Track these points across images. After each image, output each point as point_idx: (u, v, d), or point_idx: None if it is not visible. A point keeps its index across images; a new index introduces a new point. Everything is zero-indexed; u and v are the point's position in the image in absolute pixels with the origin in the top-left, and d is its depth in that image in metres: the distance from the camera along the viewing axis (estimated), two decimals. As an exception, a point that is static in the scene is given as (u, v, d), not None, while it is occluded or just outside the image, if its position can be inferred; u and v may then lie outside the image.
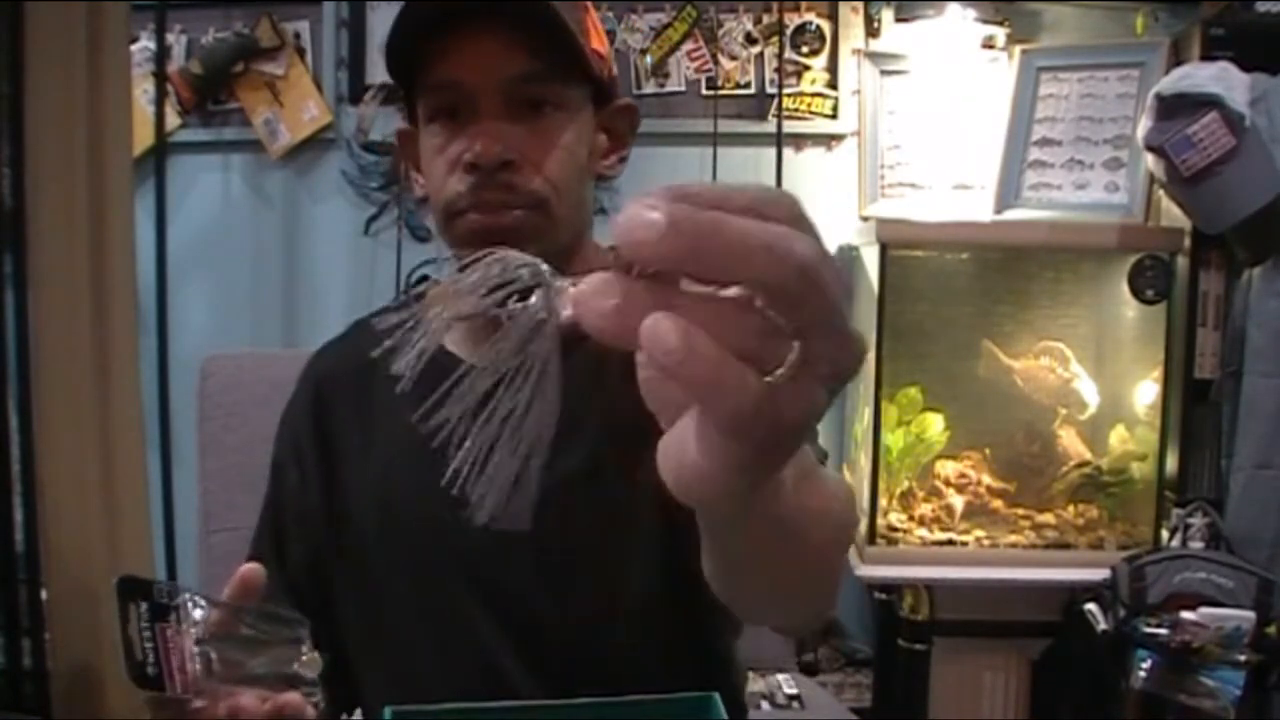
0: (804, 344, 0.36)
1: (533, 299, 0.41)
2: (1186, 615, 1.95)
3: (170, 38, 2.68)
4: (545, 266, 0.42)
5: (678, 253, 0.35)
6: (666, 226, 0.35)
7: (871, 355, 2.28)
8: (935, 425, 2.34)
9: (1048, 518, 2.32)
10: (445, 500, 0.47)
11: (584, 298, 0.37)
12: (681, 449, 0.40)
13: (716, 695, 0.84)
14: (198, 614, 0.73)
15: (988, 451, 2.41)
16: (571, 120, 1.00)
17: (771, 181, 2.56)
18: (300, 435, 1.11)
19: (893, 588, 2.32)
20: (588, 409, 0.90)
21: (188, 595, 0.74)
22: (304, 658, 0.76)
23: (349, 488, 1.06)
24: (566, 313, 0.40)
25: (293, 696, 0.74)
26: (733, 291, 0.36)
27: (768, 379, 0.36)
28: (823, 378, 0.37)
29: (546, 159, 0.97)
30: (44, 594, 2.05)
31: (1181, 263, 2.30)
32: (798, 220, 0.37)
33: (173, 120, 2.73)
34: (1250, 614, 1.94)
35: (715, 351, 0.35)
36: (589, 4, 1.06)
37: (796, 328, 0.36)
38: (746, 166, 2.64)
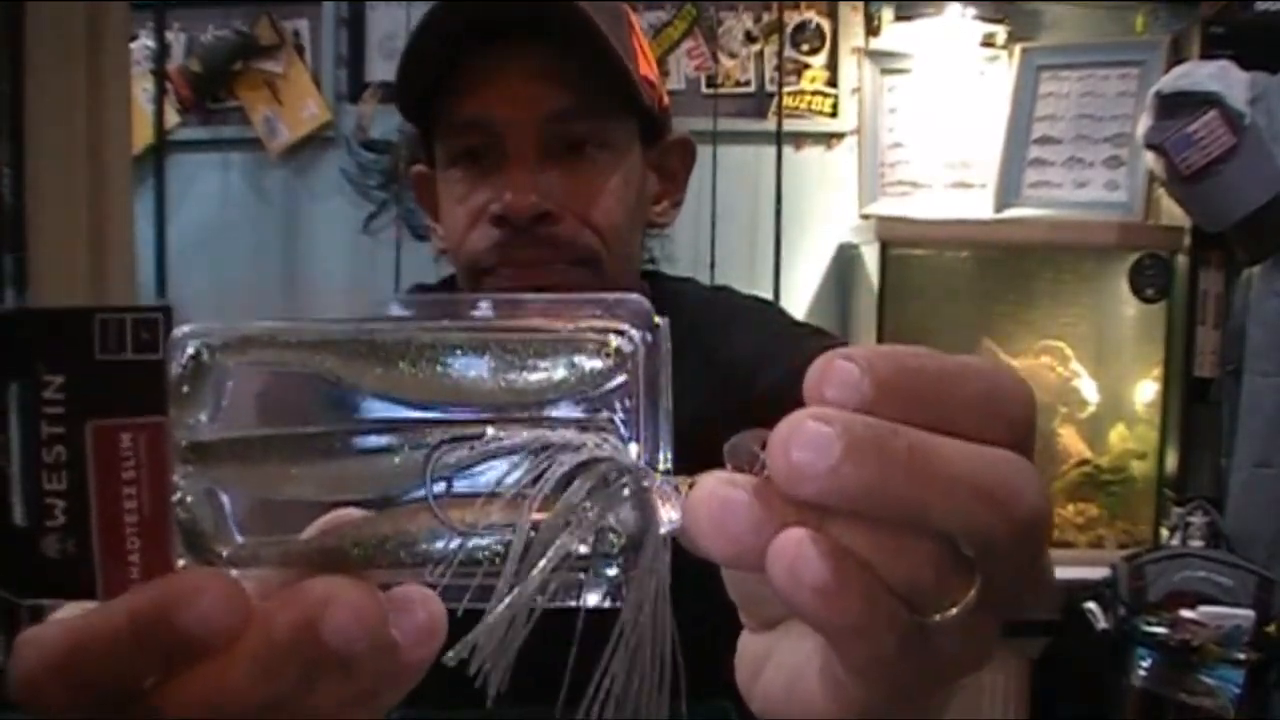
0: (986, 581, 0.27)
1: (621, 507, 0.28)
2: (1186, 614, 1.95)
3: (170, 36, 2.68)
4: (642, 465, 0.29)
5: (853, 490, 0.25)
6: (843, 454, 0.25)
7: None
8: (935, 424, 2.34)
9: (1047, 516, 2.32)
10: None
11: (708, 512, 0.27)
12: (796, 681, 0.31)
13: (729, 705, 0.82)
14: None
15: (987, 450, 2.41)
16: (619, 161, 0.84)
17: (771, 181, 2.56)
18: None
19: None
20: None
21: (206, 341, 0.30)
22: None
23: None
24: (670, 524, 0.28)
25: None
26: None
27: (935, 617, 0.27)
28: (999, 616, 0.28)
29: (592, 208, 0.81)
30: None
31: (1181, 261, 2.30)
32: (1027, 431, 0.28)
33: (172, 118, 2.72)
34: (1250, 612, 1.94)
35: (870, 588, 0.26)
36: (634, 22, 0.90)
37: (984, 567, 0.27)
38: (746, 165, 2.63)
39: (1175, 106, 2.13)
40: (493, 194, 0.80)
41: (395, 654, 0.29)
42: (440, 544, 0.29)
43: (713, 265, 2.49)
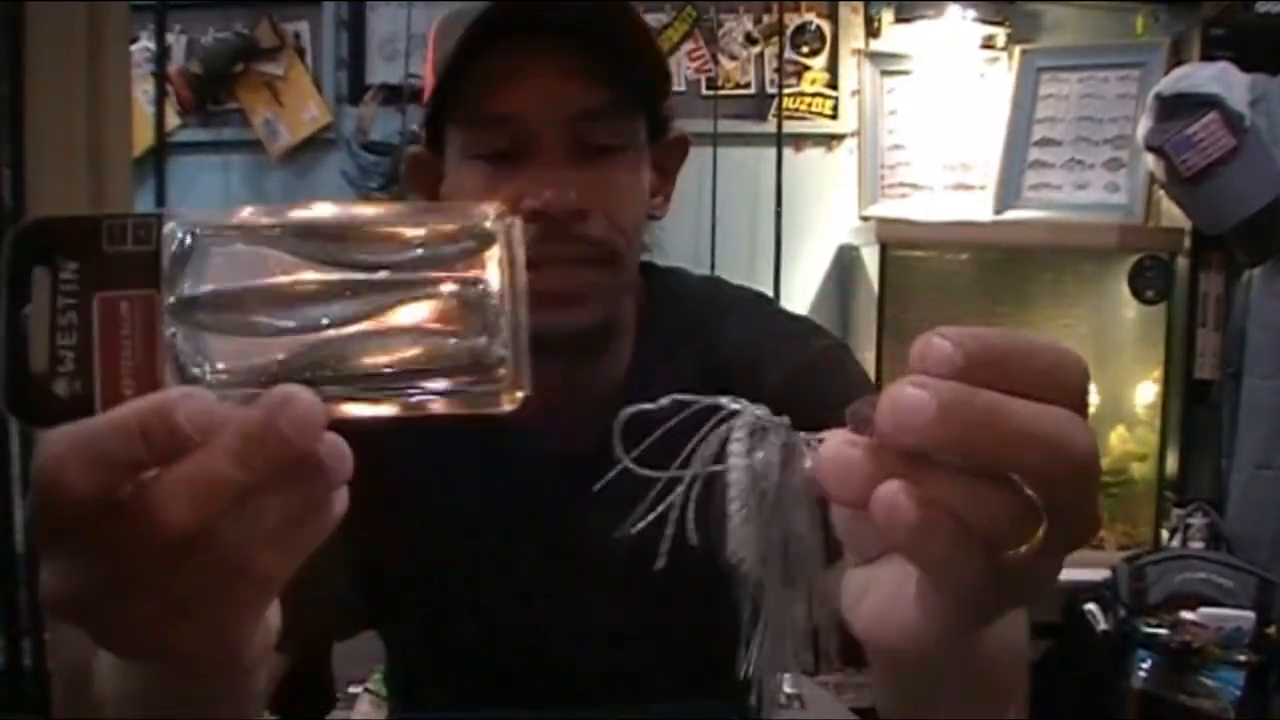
0: (1051, 522, 0.34)
1: (761, 454, 0.39)
2: (1187, 615, 1.95)
3: (170, 38, 2.68)
4: (786, 422, 0.40)
5: (945, 441, 0.33)
6: (936, 412, 0.33)
7: (871, 356, 2.28)
8: (935, 426, 2.34)
9: (1048, 518, 2.32)
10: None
11: (832, 465, 0.36)
12: (891, 604, 0.39)
13: (732, 705, 0.82)
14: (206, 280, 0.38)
15: (988, 452, 2.41)
16: (639, 160, 0.86)
17: (771, 183, 2.56)
18: None
19: (893, 588, 2.31)
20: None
21: (192, 229, 0.38)
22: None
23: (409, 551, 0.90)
24: (806, 470, 0.39)
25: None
26: None
27: (1009, 554, 0.34)
28: (1060, 550, 0.36)
29: (619, 207, 0.83)
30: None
31: (1181, 263, 2.30)
32: (1082, 396, 0.35)
33: (173, 120, 2.73)
34: (1250, 614, 1.94)
35: (955, 529, 0.34)
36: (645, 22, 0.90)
37: (1049, 508, 0.35)
38: (746, 167, 2.64)
39: (1175, 108, 2.14)
40: (524, 188, 0.79)
41: (322, 471, 0.36)
42: (368, 359, 0.37)
43: (713, 267, 2.49)
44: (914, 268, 2.36)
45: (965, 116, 2.61)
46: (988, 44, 2.59)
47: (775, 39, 2.64)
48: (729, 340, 0.89)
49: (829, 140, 2.70)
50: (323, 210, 0.38)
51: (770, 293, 2.59)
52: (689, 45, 2.67)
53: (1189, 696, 1.92)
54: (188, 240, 0.37)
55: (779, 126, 2.62)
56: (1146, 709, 1.96)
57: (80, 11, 1.82)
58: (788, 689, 1.73)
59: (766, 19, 2.67)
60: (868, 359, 2.31)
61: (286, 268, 0.37)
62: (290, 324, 0.37)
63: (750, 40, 2.68)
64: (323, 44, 2.74)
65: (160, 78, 2.63)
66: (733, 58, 2.68)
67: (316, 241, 0.38)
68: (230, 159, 2.81)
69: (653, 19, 2.65)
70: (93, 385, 0.36)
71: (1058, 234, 2.36)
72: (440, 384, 0.37)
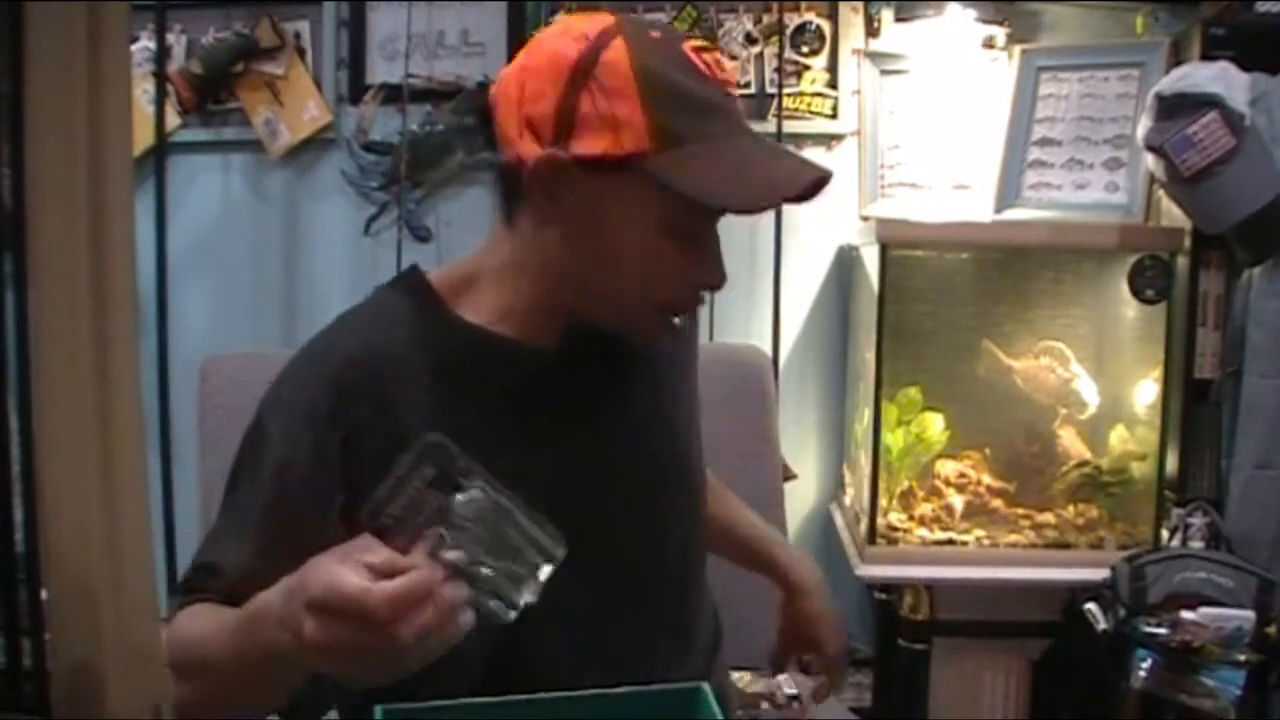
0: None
1: None
2: (1186, 615, 1.95)
3: (170, 38, 2.69)
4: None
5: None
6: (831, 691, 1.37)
7: (871, 355, 2.28)
8: (935, 425, 2.34)
9: (1048, 517, 2.32)
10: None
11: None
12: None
13: (705, 685, 0.85)
14: (473, 495, 0.73)
15: (988, 451, 2.41)
16: None
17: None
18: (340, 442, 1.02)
19: (893, 588, 2.31)
20: (664, 397, 1.15)
21: (483, 484, 0.73)
22: (531, 583, 0.74)
23: None
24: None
25: (457, 592, 0.72)
26: None
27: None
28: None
29: None
30: (44, 594, 2.05)
31: (1181, 263, 2.30)
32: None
33: (173, 120, 2.73)
34: (1250, 614, 1.94)
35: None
36: None
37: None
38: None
39: (1175, 108, 2.13)
40: (710, 270, 1.01)
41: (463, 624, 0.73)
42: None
43: (713, 267, 2.48)
44: (914, 267, 2.36)
45: (965, 116, 2.61)
46: (988, 44, 2.59)
47: (775, 39, 2.65)
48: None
49: (829, 140, 2.70)
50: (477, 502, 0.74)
51: (771, 293, 2.59)
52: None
53: (1189, 696, 1.92)
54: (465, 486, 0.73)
55: (779, 126, 2.62)
56: (1146, 708, 1.96)
57: (80, 11, 1.81)
58: (788, 689, 1.83)
59: (766, 19, 2.67)
60: (868, 359, 2.31)
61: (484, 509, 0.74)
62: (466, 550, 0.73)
63: (750, 40, 2.68)
64: (323, 44, 2.75)
65: (160, 78, 2.63)
66: (733, 57, 2.68)
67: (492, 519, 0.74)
68: (230, 159, 2.81)
69: (652, 19, 2.65)
70: (395, 529, 0.73)
71: (1058, 233, 2.36)
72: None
